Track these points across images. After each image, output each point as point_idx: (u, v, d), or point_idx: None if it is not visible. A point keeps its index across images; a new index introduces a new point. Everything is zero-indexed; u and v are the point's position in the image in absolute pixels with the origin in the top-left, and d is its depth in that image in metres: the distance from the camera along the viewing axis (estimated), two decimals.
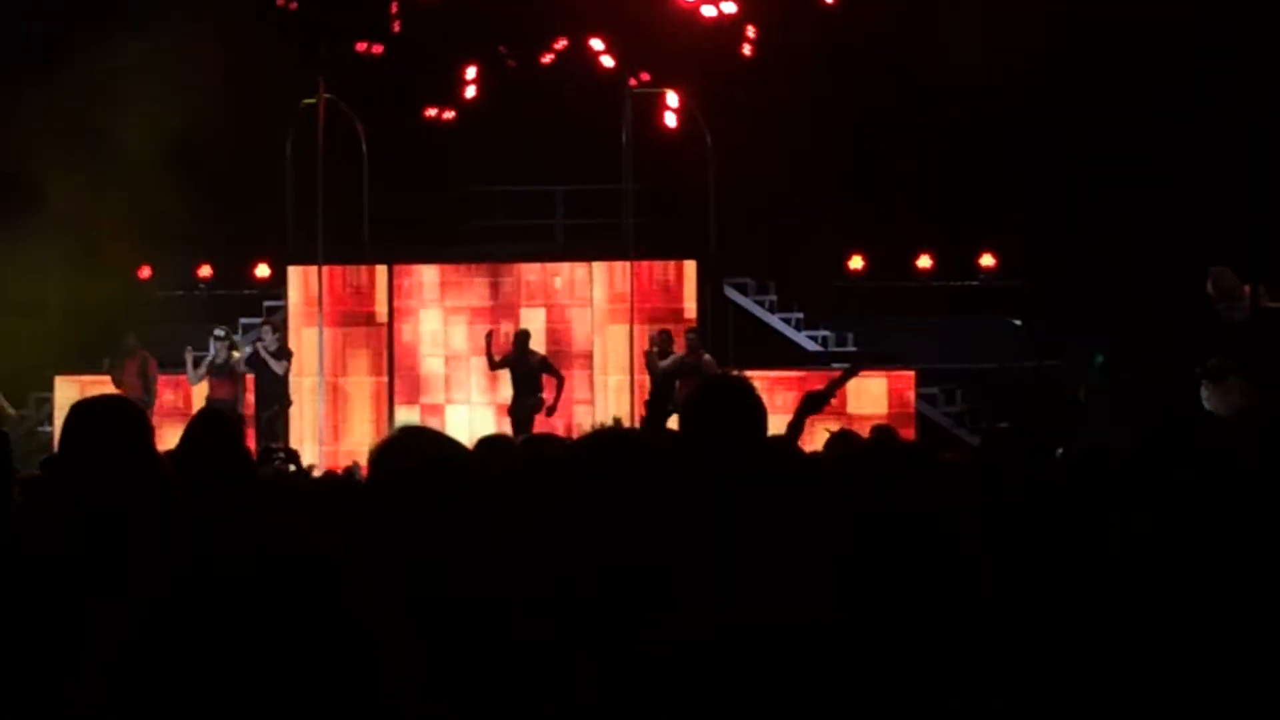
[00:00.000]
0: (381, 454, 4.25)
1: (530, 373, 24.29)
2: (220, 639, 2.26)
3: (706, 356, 23.67)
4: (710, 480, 5.19)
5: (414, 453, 4.16)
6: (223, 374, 24.27)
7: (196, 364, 24.59)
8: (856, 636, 3.69)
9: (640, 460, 3.32)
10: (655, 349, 24.17)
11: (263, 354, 24.33)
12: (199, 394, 24.55)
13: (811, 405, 8.52)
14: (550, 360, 24.79)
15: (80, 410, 4.98)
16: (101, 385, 23.86)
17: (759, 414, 5.67)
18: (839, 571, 3.90)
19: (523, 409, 23.82)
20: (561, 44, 29.25)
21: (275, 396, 24.32)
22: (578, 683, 3.12)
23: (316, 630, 2.30)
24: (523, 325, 26.16)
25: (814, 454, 9.32)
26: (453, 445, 4.29)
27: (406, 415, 26.49)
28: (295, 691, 2.24)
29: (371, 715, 2.30)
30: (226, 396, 23.95)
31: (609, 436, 3.59)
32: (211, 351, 24.77)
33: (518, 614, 3.41)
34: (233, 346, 24.67)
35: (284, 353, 24.61)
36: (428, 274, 26.98)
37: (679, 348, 24.21)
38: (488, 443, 9.46)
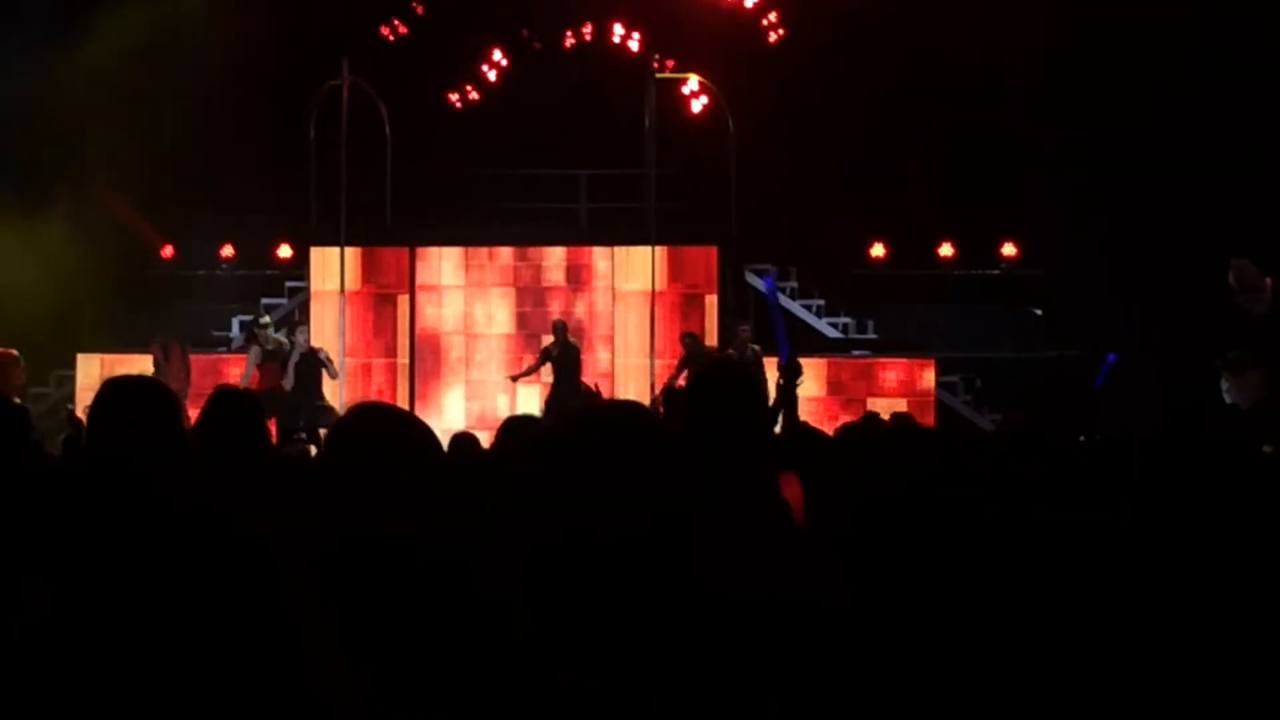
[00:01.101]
0: (334, 431, 4.31)
1: (569, 360, 24.27)
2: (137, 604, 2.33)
3: (755, 347, 23.28)
4: (697, 449, 5.26)
5: (367, 427, 4.20)
6: (275, 359, 23.87)
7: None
8: (848, 617, 3.71)
9: (624, 428, 3.35)
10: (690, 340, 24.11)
11: (322, 357, 23.93)
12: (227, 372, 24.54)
13: (789, 375, 8.69)
14: (578, 351, 24.74)
15: (111, 388, 5.03)
16: (123, 362, 23.97)
17: (756, 393, 5.79)
18: (833, 549, 3.92)
19: (569, 395, 23.36)
20: (586, 27, 29.27)
21: (311, 401, 23.63)
22: (545, 650, 3.15)
23: (237, 599, 2.38)
24: (545, 307, 26.28)
25: (831, 435, 9.36)
26: (409, 420, 4.34)
27: (428, 396, 26.58)
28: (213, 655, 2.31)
29: (284, 683, 2.37)
30: (276, 384, 23.57)
31: (594, 409, 3.62)
32: (247, 338, 24.67)
33: (483, 577, 3.45)
34: (276, 331, 24.21)
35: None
36: (450, 256, 27.00)
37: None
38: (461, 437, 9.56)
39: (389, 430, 4.16)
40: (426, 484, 4.02)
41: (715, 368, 6.33)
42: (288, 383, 23.35)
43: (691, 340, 24.34)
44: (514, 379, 25.29)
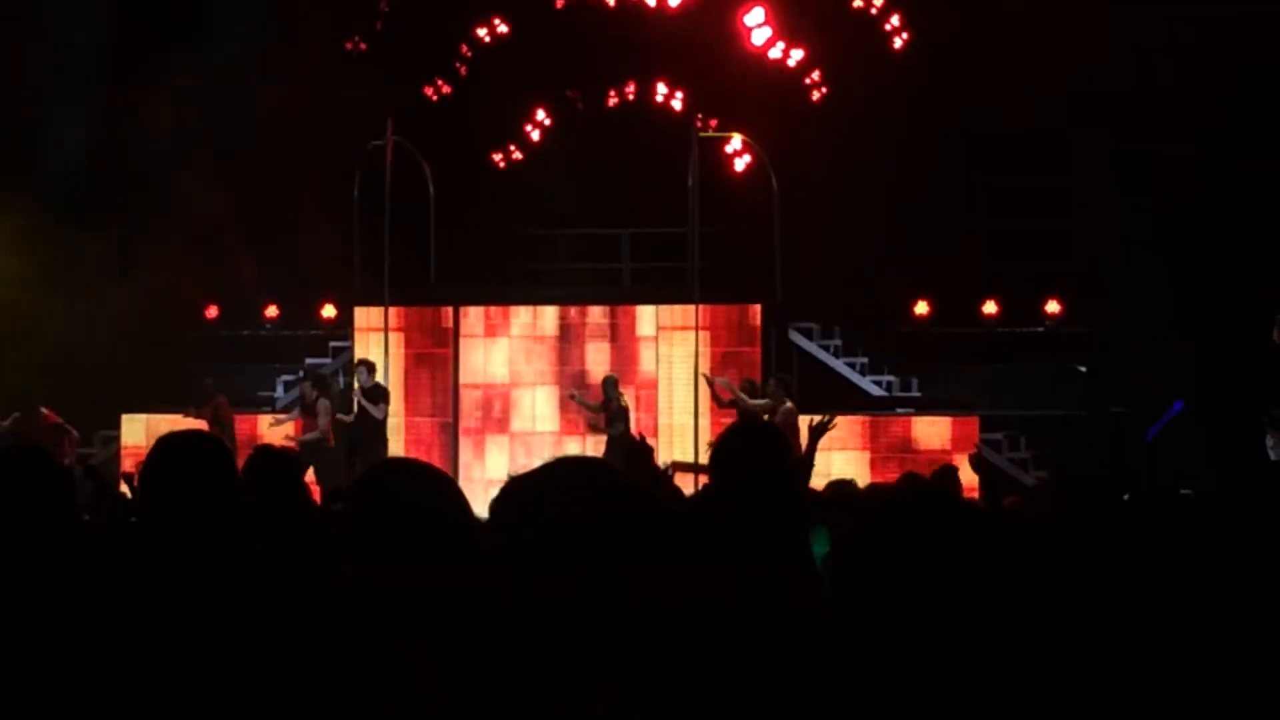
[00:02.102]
0: (358, 486, 4.30)
1: (617, 416, 24.26)
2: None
3: (787, 404, 23.27)
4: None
5: (391, 482, 4.20)
6: (311, 414, 24.09)
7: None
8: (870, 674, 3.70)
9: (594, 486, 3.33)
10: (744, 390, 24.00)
11: (361, 401, 24.18)
12: (273, 435, 24.57)
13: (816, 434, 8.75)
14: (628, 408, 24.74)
15: (165, 444, 5.03)
16: (168, 423, 23.98)
17: (781, 457, 5.81)
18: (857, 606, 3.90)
19: (617, 450, 23.35)
20: (629, 87, 29.35)
21: (371, 443, 23.91)
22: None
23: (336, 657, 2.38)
24: (587, 367, 26.32)
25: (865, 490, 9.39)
26: (434, 475, 4.33)
27: (470, 454, 26.59)
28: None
29: None
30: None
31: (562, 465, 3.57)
32: (291, 393, 24.89)
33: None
34: (317, 385, 24.43)
35: (379, 394, 24.39)
36: (493, 315, 27.03)
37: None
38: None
39: (413, 485, 4.15)
40: (451, 537, 4.01)
41: (743, 430, 6.34)
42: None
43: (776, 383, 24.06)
44: (571, 398, 25.21)
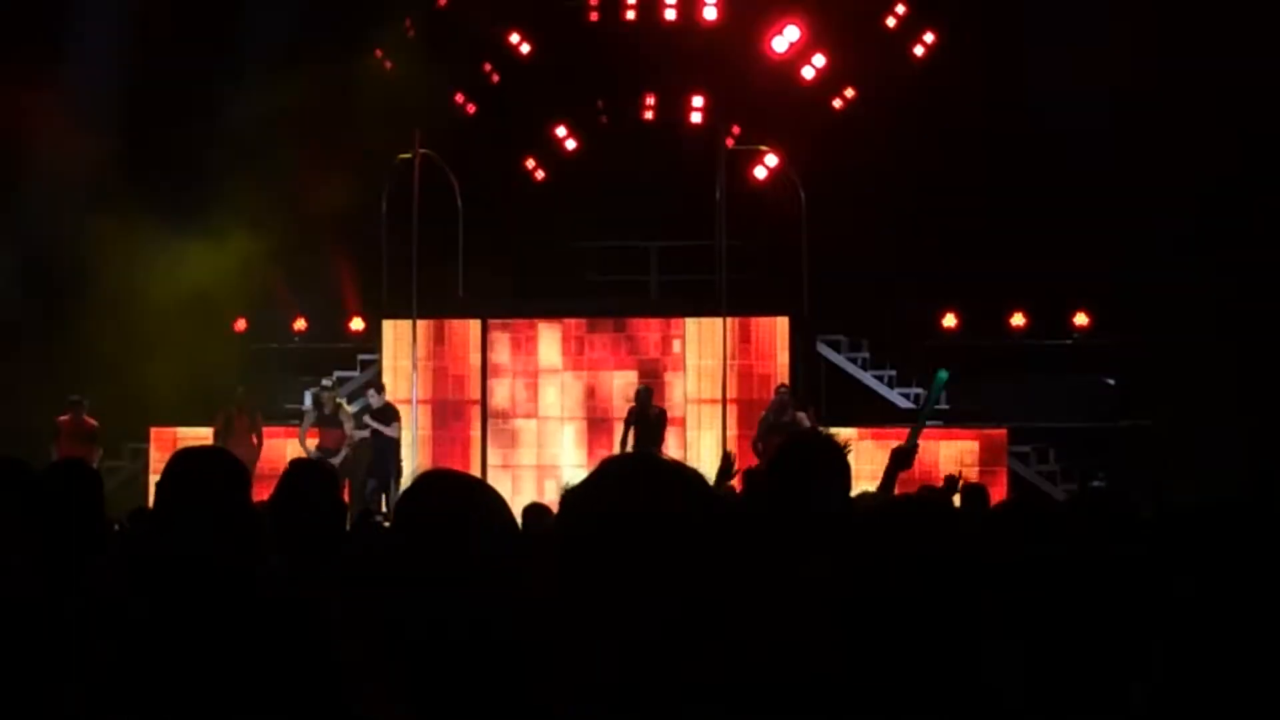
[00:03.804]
0: (401, 500, 4.28)
1: (652, 426, 24.27)
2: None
3: (800, 414, 23.37)
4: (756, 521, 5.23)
5: (434, 495, 4.17)
6: (331, 424, 24.47)
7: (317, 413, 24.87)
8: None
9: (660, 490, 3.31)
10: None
11: (370, 422, 24.48)
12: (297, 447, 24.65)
13: (900, 461, 8.54)
14: (664, 416, 24.75)
15: (178, 459, 5.04)
16: (198, 438, 24.03)
17: (841, 472, 5.75)
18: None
19: None
20: (657, 101, 29.36)
21: (387, 462, 24.30)
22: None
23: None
24: (615, 380, 26.33)
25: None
26: (478, 486, 4.30)
27: (499, 470, 26.58)
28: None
29: None
30: (333, 445, 24.22)
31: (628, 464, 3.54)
32: (312, 403, 25.05)
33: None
34: (338, 397, 24.91)
35: (390, 414, 24.69)
36: (521, 329, 27.04)
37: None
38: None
39: (457, 497, 4.13)
40: (496, 552, 4.00)
41: (803, 445, 6.30)
42: (342, 447, 23.89)
43: (784, 394, 24.05)
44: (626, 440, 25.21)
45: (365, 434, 24.53)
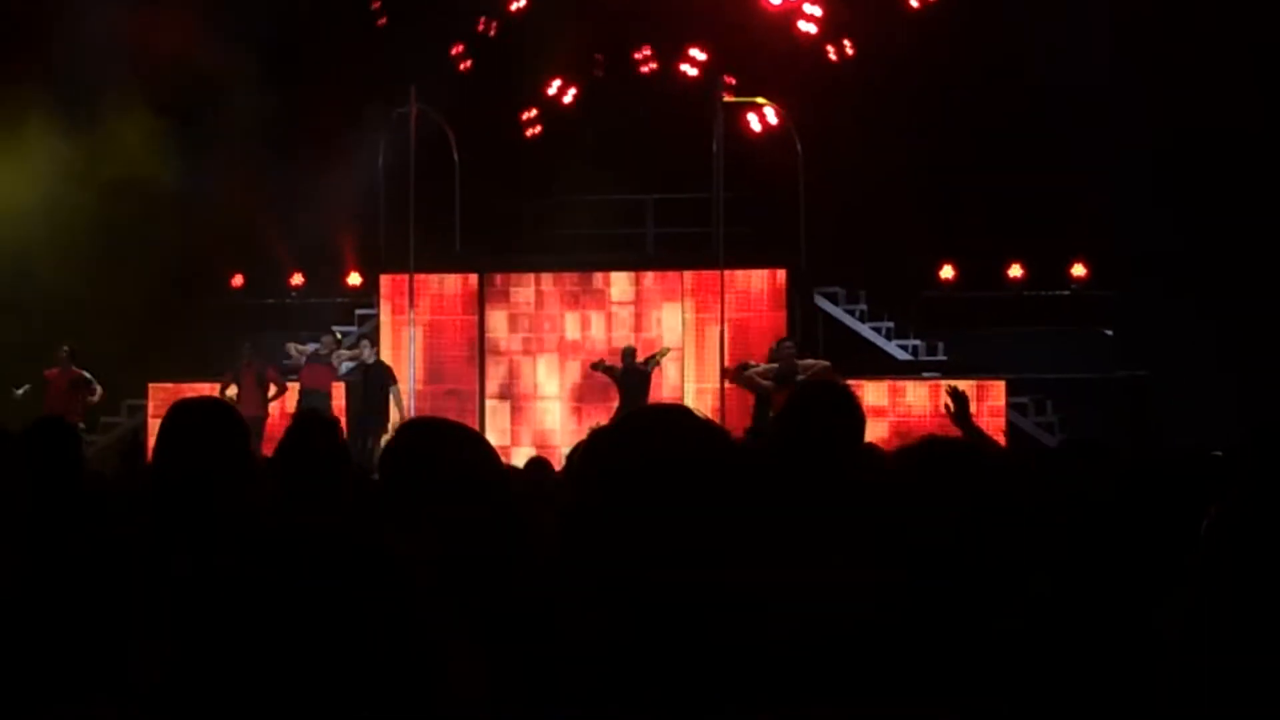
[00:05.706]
0: (387, 449, 4.29)
1: (636, 382, 24.28)
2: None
3: (807, 360, 23.23)
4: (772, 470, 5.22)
5: (419, 442, 4.17)
6: (323, 362, 24.65)
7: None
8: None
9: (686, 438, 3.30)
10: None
11: (393, 392, 24.81)
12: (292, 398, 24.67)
13: (962, 399, 8.68)
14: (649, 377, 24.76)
15: (176, 411, 5.05)
16: (195, 391, 24.01)
17: (855, 420, 5.72)
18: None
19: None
20: (654, 53, 29.27)
21: (374, 415, 24.35)
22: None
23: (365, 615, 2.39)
24: (612, 333, 26.33)
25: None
26: (463, 432, 4.29)
27: (498, 421, 26.60)
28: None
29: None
30: (321, 385, 24.34)
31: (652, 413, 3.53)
32: (319, 345, 25.09)
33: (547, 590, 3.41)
34: (339, 347, 25.22)
35: (386, 374, 24.94)
36: (518, 281, 27.02)
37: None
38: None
39: (441, 444, 4.13)
40: (485, 489, 4.00)
41: (818, 392, 6.28)
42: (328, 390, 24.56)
43: (787, 346, 23.94)
44: (594, 367, 25.18)
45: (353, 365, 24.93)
